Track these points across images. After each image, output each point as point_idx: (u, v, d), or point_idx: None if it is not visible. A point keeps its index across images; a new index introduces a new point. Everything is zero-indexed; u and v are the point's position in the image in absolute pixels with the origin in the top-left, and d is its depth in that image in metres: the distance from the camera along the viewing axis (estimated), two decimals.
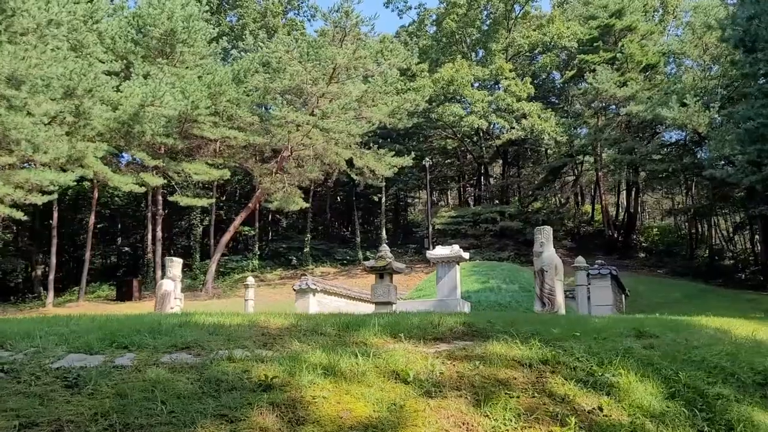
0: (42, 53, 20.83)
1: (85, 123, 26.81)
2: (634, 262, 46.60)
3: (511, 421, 4.40)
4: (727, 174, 25.46)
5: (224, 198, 57.89)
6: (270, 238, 57.42)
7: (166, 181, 34.88)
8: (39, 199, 22.83)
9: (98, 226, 50.88)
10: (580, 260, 20.27)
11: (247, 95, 37.60)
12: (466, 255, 20.87)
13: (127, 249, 57.79)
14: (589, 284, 21.98)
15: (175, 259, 19.17)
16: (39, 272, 41.04)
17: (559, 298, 14.87)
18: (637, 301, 34.54)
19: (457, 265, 20.48)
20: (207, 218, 47.29)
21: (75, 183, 40.25)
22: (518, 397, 4.74)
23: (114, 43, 32.36)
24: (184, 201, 34.63)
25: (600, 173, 49.31)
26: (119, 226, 55.89)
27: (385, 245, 19.45)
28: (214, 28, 37.97)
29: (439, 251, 24.06)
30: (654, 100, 37.79)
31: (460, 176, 56.80)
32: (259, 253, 48.94)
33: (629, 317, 10.34)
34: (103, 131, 28.41)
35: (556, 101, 55.75)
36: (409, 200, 66.60)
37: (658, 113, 35.80)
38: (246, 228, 54.83)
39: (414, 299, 28.78)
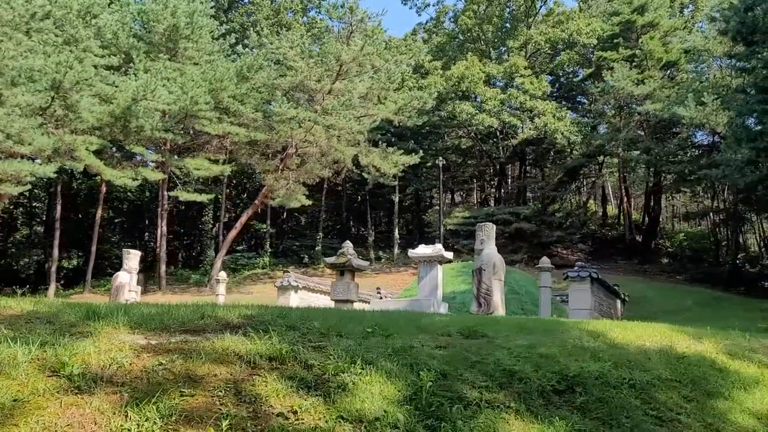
0: (17, 44, 20.97)
1: (76, 116, 27.05)
2: (654, 268, 44.89)
3: (152, 421, 3.87)
4: (723, 175, 24.08)
5: (244, 195, 58.21)
6: (286, 235, 57.47)
7: (166, 176, 35.06)
8: (14, 190, 23.08)
9: (117, 220, 51.81)
10: (545, 261, 19.42)
11: (259, 92, 37.54)
12: (449, 254, 20.13)
13: (152, 244, 58.72)
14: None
15: (132, 251, 19.11)
16: (54, 267, 41.73)
17: (496, 298, 14.18)
18: (646, 307, 33.17)
19: (438, 265, 19.75)
20: (226, 215, 47.55)
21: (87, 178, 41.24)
22: (193, 395, 4.21)
23: (117, 39, 32.63)
24: (183, 196, 34.69)
25: (622, 175, 47.80)
26: (146, 221, 56.79)
27: (347, 242, 18.95)
28: (220, 25, 38.07)
29: (421, 250, 23.33)
30: (672, 98, 36.27)
31: (479, 176, 55.78)
32: (271, 250, 48.93)
33: (483, 318, 9.65)
34: (97, 125, 28.61)
35: (584, 100, 54.24)
36: (434, 200, 65.80)
37: (675, 112, 34.31)
38: (263, 225, 55.10)
39: (402, 299, 28.16)
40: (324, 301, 25.45)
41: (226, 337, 5.10)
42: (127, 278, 18.35)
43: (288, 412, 4.28)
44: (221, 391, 4.32)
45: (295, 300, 25.21)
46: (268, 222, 49.06)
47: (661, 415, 5.69)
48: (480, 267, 14.14)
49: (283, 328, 5.75)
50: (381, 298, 28.21)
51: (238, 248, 56.37)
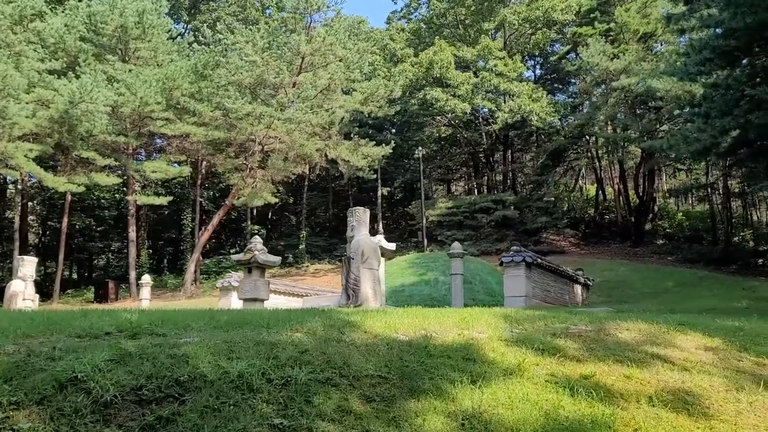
0: None
1: (11, 123, 26.42)
2: (646, 250, 43.06)
3: None
4: (668, 145, 22.39)
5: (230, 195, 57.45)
6: (281, 235, 56.67)
7: (121, 181, 34.35)
8: None
9: (100, 228, 51.39)
10: (456, 246, 18.11)
11: (225, 90, 36.61)
12: (390, 246, 18.99)
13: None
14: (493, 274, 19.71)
15: (26, 258, 18.28)
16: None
17: (365, 288, 12.94)
18: (624, 291, 31.82)
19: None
20: (203, 217, 46.87)
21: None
22: None
23: (63, 42, 31.93)
24: (141, 200, 33.95)
25: (611, 155, 45.98)
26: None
27: (256, 237, 17.92)
28: (178, 24, 37.21)
29: None
30: (647, 71, 34.49)
31: (466, 165, 54.32)
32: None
33: (191, 312, 8.46)
34: (37, 131, 27.99)
35: (575, 80, 52.40)
36: (428, 192, 64.31)
37: (650, 85, 32.60)
38: (256, 227, 54.35)
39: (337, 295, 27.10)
40: (276, 302, 24.47)
41: None
42: (22, 286, 17.50)
43: None
44: None
45: (237, 301, 24.23)
46: (249, 221, 48.22)
47: (294, 423, 4.49)
48: (349, 256, 12.95)
49: None
50: None
51: (231, 250, 55.75)
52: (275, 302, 23.93)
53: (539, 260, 20.57)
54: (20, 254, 34.62)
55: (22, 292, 17.53)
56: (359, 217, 13.24)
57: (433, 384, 5.52)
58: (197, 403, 4.44)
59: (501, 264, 20.22)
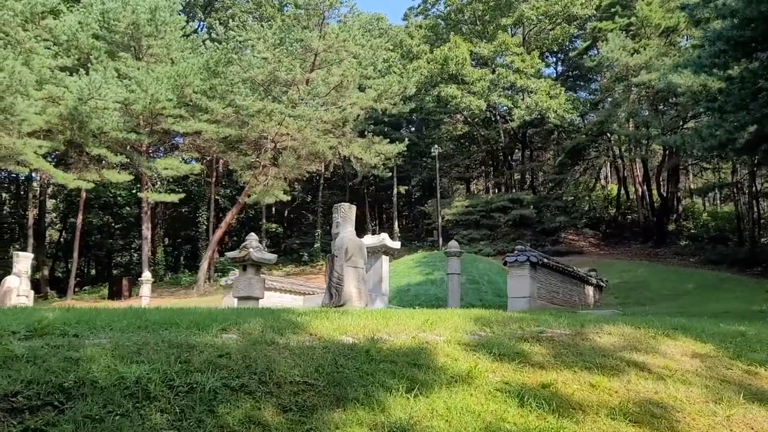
0: None
1: (20, 120, 26.45)
2: (668, 251, 41.82)
3: None
4: (681, 141, 21.47)
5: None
6: (293, 233, 56.53)
7: (134, 178, 34.33)
8: None
9: (117, 226, 51.69)
10: (453, 245, 17.53)
11: (239, 87, 36.40)
12: (395, 244, 18.57)
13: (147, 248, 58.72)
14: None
15: (22, 254, 18.12)
16: (46, 272, 41.74)
17: (349, 287, 12.43)
18: (642, 293, 30.85)
19: (383, 256, 18.24)
20: (219, 214, 46.89)
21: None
22: None
23: (76, 40, 31.98)
24: (152, 197, 33.89)
25: (632, 153, 44.82)
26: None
27: (252, 234, 17.50)
28: (187, 22, 37.07)
29: (365, 240, 21.76)
30: (668, 66, 33.44)
31: (485, 162, 53.49)
32: (272, 249, 47.94)
33: (121, 311, 8.01)
34: (47, 128, 28.03)
35: (596, 77, 51.30)
36: (449, 190, 63.60)
37: (671, 81, 31.55)
38: (274, 225, 54.31)
39: None
40: (282, 300, 24.21)
41: None
42: (16, 282, 17.35)
43: None
44: None
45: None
46: (264, 219, 48.05)
47: None
48: (333, 253, 12.48)
49: None
50: None
51: None
52: (280, 300, 23.64)
53: (545, 260, 19.90)
54: (35, 251, 34.91)
55: (17, 288, 17.38)
56: (344, 214, 12.76)
57: (365, 392, 5.02)
58: (77, 412, 4.00)
59: (505, 264, 19.61)
